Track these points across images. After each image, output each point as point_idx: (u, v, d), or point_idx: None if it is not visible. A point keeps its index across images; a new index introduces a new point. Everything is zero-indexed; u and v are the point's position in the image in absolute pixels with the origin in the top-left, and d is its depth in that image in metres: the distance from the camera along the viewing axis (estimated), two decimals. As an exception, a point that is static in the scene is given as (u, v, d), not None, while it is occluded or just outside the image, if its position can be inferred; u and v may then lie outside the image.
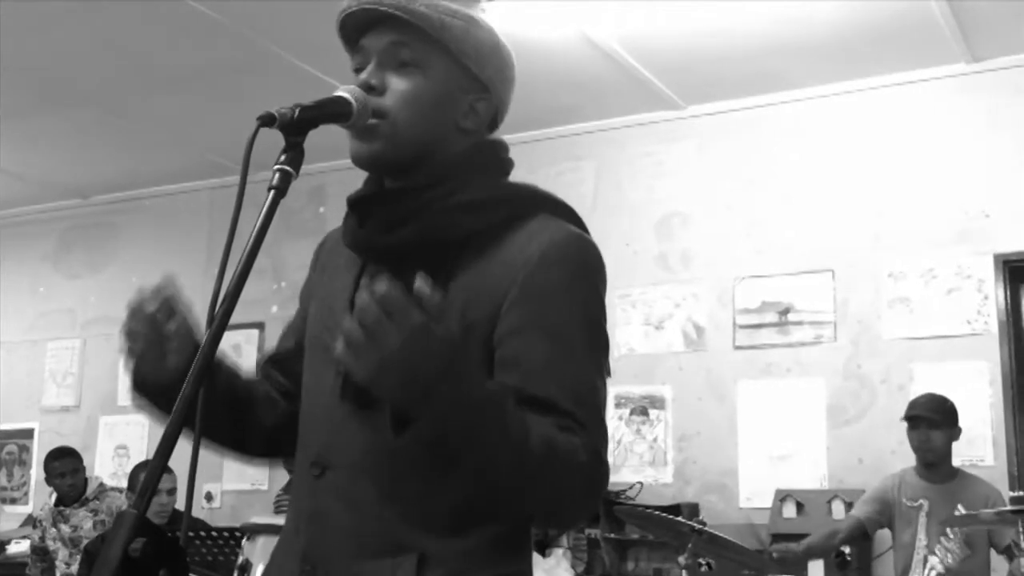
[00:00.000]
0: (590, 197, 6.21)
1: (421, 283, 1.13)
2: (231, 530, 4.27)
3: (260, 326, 6.45)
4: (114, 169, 7.40)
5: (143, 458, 6.94)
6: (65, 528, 5.88)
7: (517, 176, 1.52)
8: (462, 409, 1.17)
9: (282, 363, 1.60)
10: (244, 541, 3.22)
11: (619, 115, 6.21)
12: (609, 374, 1.39)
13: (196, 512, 6.48)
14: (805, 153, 5.80)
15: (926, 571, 4.43)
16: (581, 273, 1.38)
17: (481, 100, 1.47)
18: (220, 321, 1.19)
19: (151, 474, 1.10)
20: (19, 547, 6.68)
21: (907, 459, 4.73)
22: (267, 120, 1.27)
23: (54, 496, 6.01)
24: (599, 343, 1.39)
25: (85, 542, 5.61)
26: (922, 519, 4.50)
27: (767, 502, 5.41)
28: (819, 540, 4.61)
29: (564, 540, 5.07)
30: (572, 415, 1.29)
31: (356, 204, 1.48)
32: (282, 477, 6.15)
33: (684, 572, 3.88)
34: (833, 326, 5.57)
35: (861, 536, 4.71)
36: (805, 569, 4.77)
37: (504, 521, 1.37)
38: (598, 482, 1.31)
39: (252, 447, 1.62)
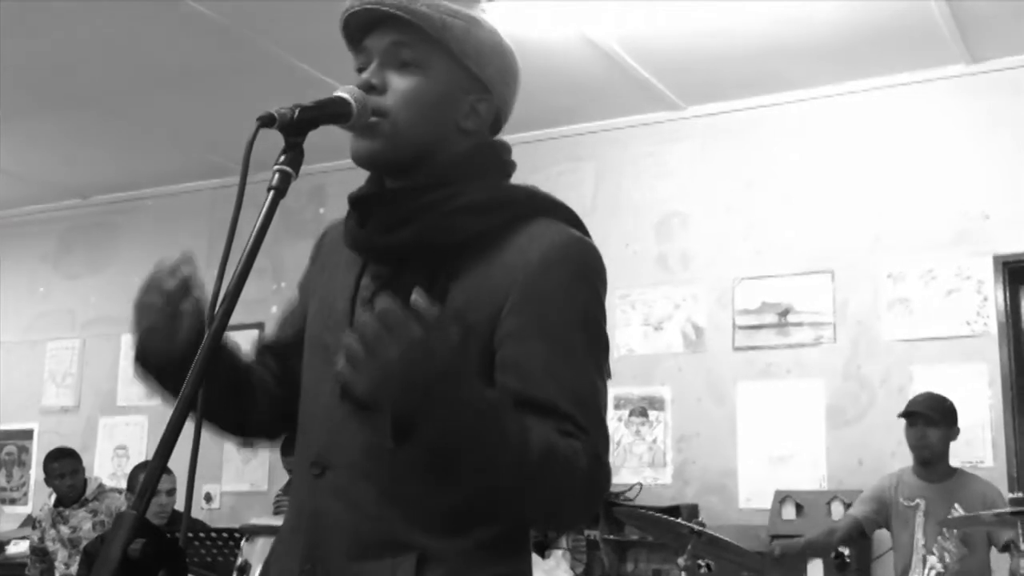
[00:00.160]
0: (590, 198, 6.21)
1: (417, 296, 1.14)
2: (230, 531, 4.27)
3: (260, 326, 6.43)
4: (114, 169, 7.40)
5: (142, 459, 6.94)
6: (64, 529, 5.87)
7: (517, 177, 1.52)
8: (461, 419, 1.18)
9: (277, 351, 1.60)
10: (243, 542, 3.22)
11: (619, 116, 6.22)
12: (609, 375, 1.40)
13: (195, 513, 6.47)
14: (805, 154, 5.80)
15: (926, 571, 4.43)
16: (581, 276, 1.38)
17: (483, 101, 1.47)
18: (220, 321, 1.19)
19: (150, 475, 1.09)
20: (18, 548, 6.68)
21: (906, 460, 4.73)
22: (267, 121, 1.27)
23: (53, 497, 6.01)
24: (599, 345, 1.39)
25: (84, 543, 5.61)
26: (919, 519, 4.50)
27: (766, 503, 5.41)
28: (818, 538, 4.62)
29: (563, 541, 5.07)
30: (573, 418, 1.30)
31: (356, 203, 1.48)
32: (281, 478, 6.15)
33: (683, 573, 3.87)
34: (833, 327, 5.57)
35: (859, 535, 4.71)
36: (804, 570, 4.77)
37: (504, 523, 1.38)
38: (599, 485, 1.32)
39: (250, 430, 1.62)
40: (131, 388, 7.57)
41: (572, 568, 5.16)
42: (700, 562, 3.96)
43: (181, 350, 1.38)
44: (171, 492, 5.35)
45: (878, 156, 5.62)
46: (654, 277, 6.04)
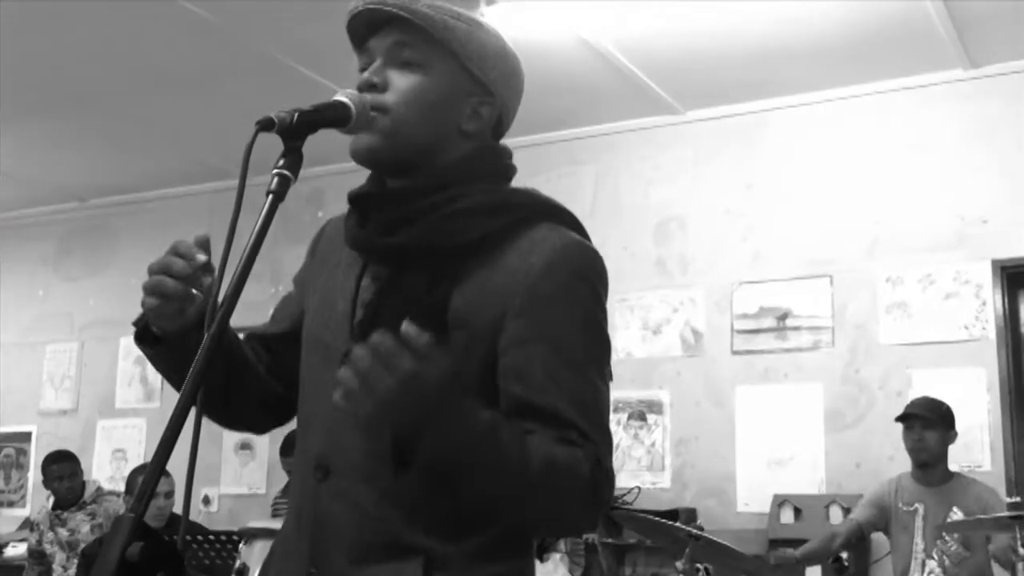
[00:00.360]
0: (588, 201, 6.21)
1: (408, 327, 1.15)
2: (228, 534, 4.27)
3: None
4: (113, 172, 7.40)
5: (141, 461, 6.94)
6: (62, 532, 5.87)
7: (516, 180, 1.52)
8: (459, 443, 1.20)
9: (268, 343, 1.60)
10: (241, 545, 3.22)
11: (617, 119, 6.22)
12: (611, 378, 1.41)
13: (194, 516, 6.47)
14: (803, 158, 5.80)
15: (925, 574, 4.44)
16: (584, 280, 1.39)
17: (485, 104, 1.47)
18: (219, 324, 1.19)
19: (149, 478, 1.09)
20: (16, 550, 6.68)
21: (905, 464, 4.73)
22: (266, 124, 1.27)
23: (51, 499, 6.00)
24: (602, 349, 1.40)
25: (82, 546, 5.60)
26: (918, 523, 4.50)
27: (765, 507, 5.41)
28: (817, 545, 4.62)
29: (561, 545, 5.06)
30: (576, 425, 1.31)
31: (356, 201, 1.48)
32: (279, 481, 6.15)
33: (681, 577, 3.88)
34: (831, 331, 5.57)
35: (860, 540, 4.71)
36: (802, 574, 4.77)
37: (507, 531, 1.39)
38: (601, 493, 1.33)
39: (236, 417, 1.61)
40: (129, 391, 7.58)
41: (570, 572, 5.16)
42: (698, 566, 3.96)
43: (186, 328, 1.37)
44: (169, 495, 5.35)
45: (876, 160, 5.62)
46: (652, 281, 6.04)
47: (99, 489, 6.11)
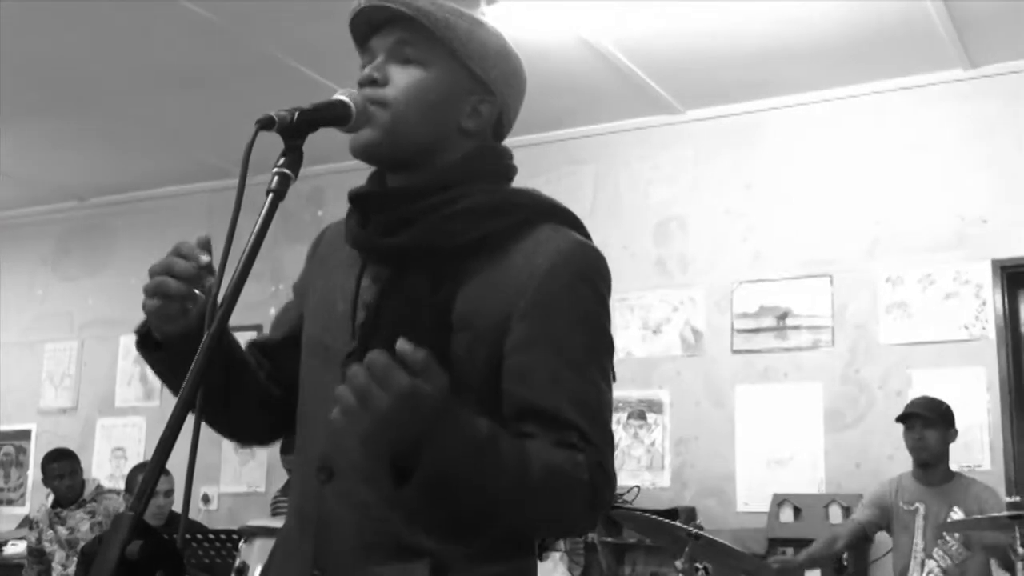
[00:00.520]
0: (588, 201, 6.21)
1: (403, 344, 1.15)
2: (228, 532, 4.27)
3: (258, 328, 6.44)
4: (112, 171, 7.40)
5: (140, 460, 6.94)
6: (62, 530, 5.87)
7: (516, 180, 1.52)
8: (458, 458, 1.20)
9: (269, 351, 1.59)
10: (241, 544, 3.22)
11: (617, 119, 6.22)
12: (615, 378, 1.42)
13: (193, 514, 6.47)
14: (803, 158, 5.80)
15: (925, 574, 4.44)
16: (588, 282, 1.39)
17: (485, 102, 1.47)
18: (219, 324, 1.19)
19: (149, 476, 1.09)
20: (15, 548, 6.67)
21: (904, 464, 4.73)
22: (266, 123, 1.27)
23: (51, 498, 6.00)
24: (605, 351, 1.41)
25: (82, 544, 5.60)
26: (919, 523, 4.50)
27: (764, 506, 5.41)
28: (820, 548, 4.60)
29: (561, 544, 5.06)
30: (578, 428, 1.32)
31: (357, 200, 1.48)
32: (279, 480, 6.15)
33: (681, 576, 3.88)
34: (831, 331, 5.57)
35: (862, 541, 4.72)
36: (802, 573, 4.77)
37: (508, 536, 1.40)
38: (601, 496, 1.33)
39: (243, 428, 1.61)
40: (129, 389, 7.58)
41: (570, 571, 5.16)
42: (698, 565, 3.96)
43: (189, 330, 1.36)
44: (169, 493, 5.35)
45: (876, 160, 5.62)
46: (653, 280, 6.04)
47: (99, 487, 6.11)
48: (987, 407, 5.16)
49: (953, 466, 4.65)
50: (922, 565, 4.45)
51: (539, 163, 6.12)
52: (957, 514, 4.40)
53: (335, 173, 5.49)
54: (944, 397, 4.67)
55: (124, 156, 7.08)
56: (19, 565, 6.25)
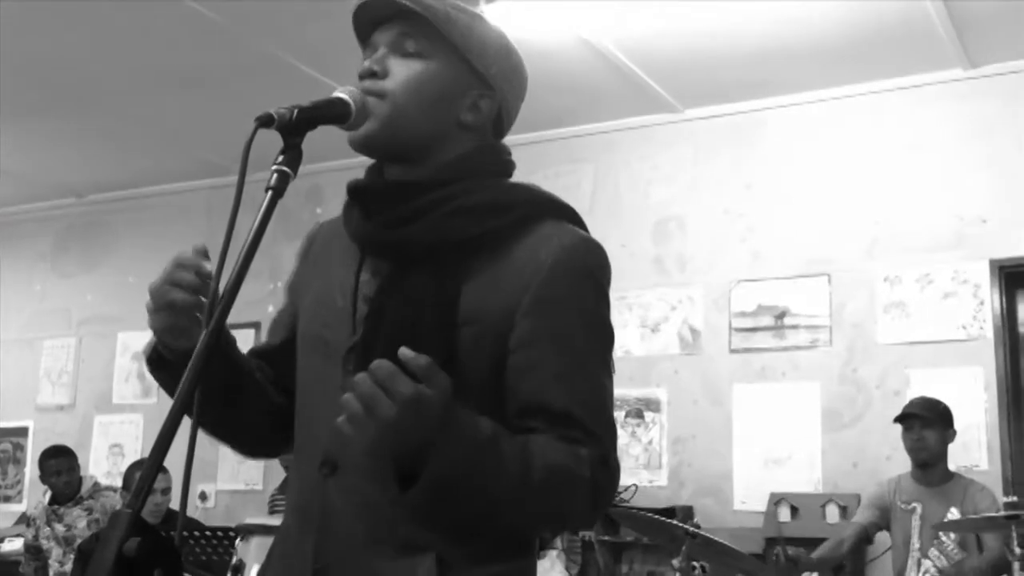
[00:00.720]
0: (587, 199, 6.21)
1: (405, 351, 1.17)
2: (225, 530, 4.27)
3: (256, 326, 6.44)
4: (111, 168, 7.39)
5: (138, 457, 6.94)
6: (59, 527, 5.87)
7: (514, 177, 1.52)
8: (460, 461, 1.22)
9: (270, 357, 1.58)
10: (238, 541, 3.22)
11: (616, 118, 6.22)
12: (614, 370, 1.43)
13: (190, 512, 6.47)
14: (802, 157, 5.80)
15: (920, 573, 4.44)
16: (591, 278, 1.41)
17: (485, 97, 1.47)
18: (217, 321, 1.19)
19: (146, 473, 1.09)
20: (12, 545, 6.67)
21: (902, 464, 4.74)
22: (265, 121, 1.27)
23: (48, 494, 6.00)
24: (606, 344, 1.43)
25: (79, 541, 5.60)
26: (916, 522, 4.51)
27: (761, 505, 5.42)
28: (828, 550, 4.58)
29: (558, 542, 5.06)
30: (582, 423, 1.34)
31: (357, 193, 1.48)
32: (277, 477, 6.15)
33: (678, 575, 3.88)
34: (829, 330, 5.57)
35: (865, 542, 4.72)
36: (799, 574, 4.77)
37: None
38: (605, 490, 1.35)
39: (250, 436, 1.60)
40: (127, 386, 7.57)
41: (567, 569, 5.16)
42: (695, 564, 3.97)
43: (188, 344, 1.35)
44: (166, 491, 5.35)
45: (875, 159, 5.62)
46: (651, 279, 6.04)
47: (96, 484, 6.11)
48: (985, 407, 5.17)
49: (951, 466, 4.65)
50: (918, 565, 4.46)
51: (538, 161, 6.12)
52: (954, 515, 4.40)
53: (334, 171, 5.49)
54: (942, 397, 4.68)
55: (123, 153, 7.08)
56: (16, 562, 6.24)
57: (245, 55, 5.45)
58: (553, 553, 5.03)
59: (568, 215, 1.47)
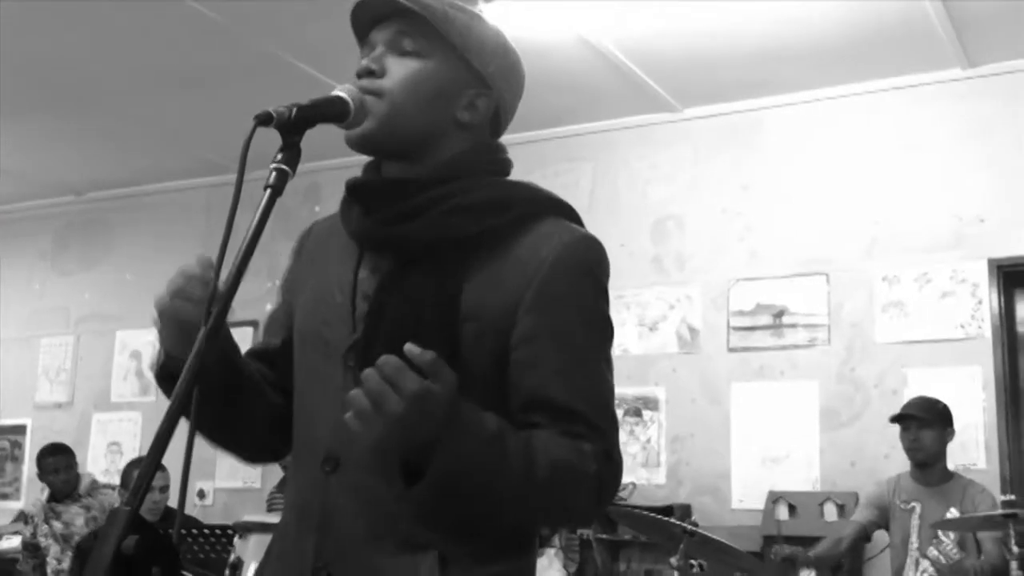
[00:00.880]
0: (586, 198, 6.21)
1: (411, 346, 1.19)
2: (223, 528, 4.27)
3: (254, 324, 6.44)
4: (110, 166, 7.39)
5: (136, 455, 6.94)
6: (57, 524, 5.87)
7: (513, 176, 1.53)
8: (466, 457, 1.24)
9: (269, 358, 1.57)
10: (236, 539, 3.23)
11: (615, 117, 6.22)
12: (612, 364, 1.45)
13: (189, 510, 6.47)
14: (800, 156, 5.81)
15: (918, 573, 4.44)
16: (591, 274, 1.43)
17: (482, 96, 1.48)
18: (216, 319, 1.19)
19: (145, 471, 1.09)
20: (10, 543, 6.67)
21: (900, 463, 4.74)
22: (264, 119, 1.27)
23: (46, 492, 6.00)
24: (607, 339, 1.45)
25: (77, 539, 5.60)
26: (914, 521, 4.51)
27: (759, 504, 5.42)
28: (827, 548, 4.58)
29: (556, 540, 5.07)
30: (585, 418, 1.35)
31: (355, 190, 1.48)
32: (275, 475, 6.14)
33: (676, 573, 3.88)
34: (827, 329, 5.58)
35: (864, 540, 4.72)
36: (797, 572, 4.77)
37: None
38: (609, 485, 1.36)
39: (253, 442, 1.59)
40: (125, 384, 7.57)
41: (565, 567, 5.17)
42: (692, 562, 3.97)
43: (210, 359, 1.36)
44: (164, 489, 5.34)
45: (874, 159, 5.62)
46: (649, 278, 6.04)
47: (94, 482, 6.11)
48: (983, 406, 5.17)
49: (949, 465, 4.65)
50: (916, 564, 4.46)
51: (537, 160, 6.12)
52: (954, 515, 4.40)
53: (333, 169, 5.48)
54: (940, 396, 4.67)
55: (123, 152, 7.07)
56: (14, 559, 6.24)
57: (244, 54, 5.44)
58: (551, 551, 5.03)
59: (567, 213, 1.48)
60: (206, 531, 4.32)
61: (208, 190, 7.37)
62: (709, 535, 3.94)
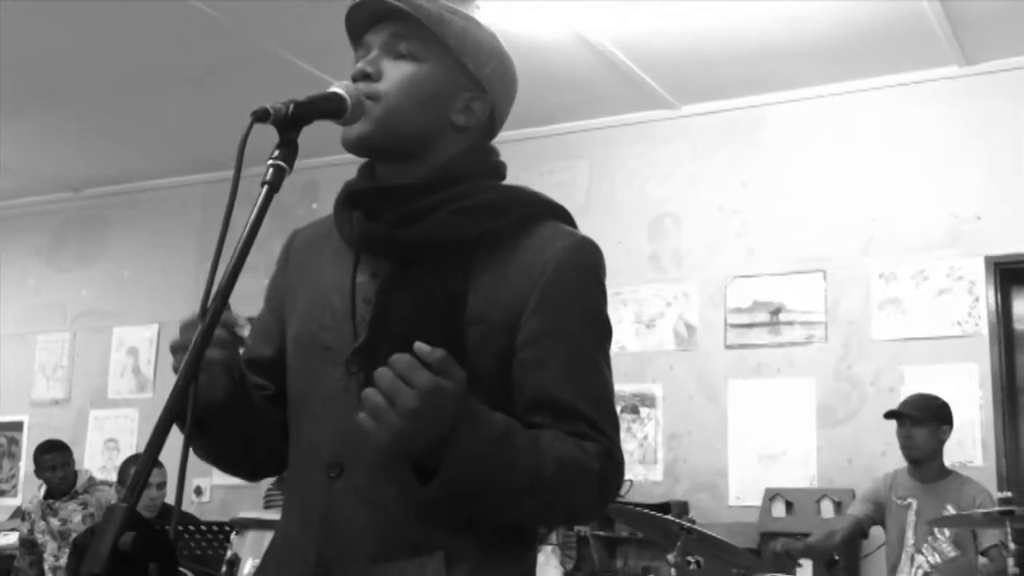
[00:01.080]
0: (583, 195, 6.21)
1: (421, 345, 1.20)
2: (220, 524, 4.28)
3: (252, 321, 6.46)
4: (107, 163, 7.38)
5: (133, 452, 6.93)
6: (54, 521, 5.87)
7: (512, 173, 1.53)
8: (476, 453, 1.25)
9: (267, 371, 1.54)
10: (233, 535, 3.22)
11: (613, 114, 6.22)
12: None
13: (185, 506, 6.47)
14: (797, 154, 5.81)
15: (913, 569, 4.45)
16: (592, 278, 1.45)
17: (477, 99, 1.48)
18: (212, 317, 1.19)
19: (141, 468, 1.09)
20: (7, 539, 6.67)
21: (897, 460, 4.74)
22: (261, 115, 1.26)
23: (43, 489, 6.00)
24: (607, 339, 1.47)
25: (74, 535, 5.60)
26: (911, 518, 4.51)
27: (756, 501, 5.42)
28: (819, 540, 4.59)
29: (553, 537, 5.07)
30: (589, 418, 1.37)
31: (355, 196, 1.48)
32: (272, 472, 6.14)
33: (673, 570, 3.88)
34: (824, 327, 5.58)
35: (859, 535, 4.73)
36: (794, 569, 4.78)
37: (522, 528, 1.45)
38: (612, 482, 1.39)
39: (257, 456, 1.55)
40: (122, 381, 7.57)
41: (562, 564, 5.17)
42: (690, 559, 3.97)
43: (232, 395, 1.37)
44: (161, 485, 5.34)
45: (871, 156, 5.63)
46: (647, 275, 6.04)
47: (91, 479, 6.11)
48: (979, 403, 5.18)
49: (946, 462, 4.65)
50: (912, 560, 4.46)
51: (534, 157, 6.12)
52: (949, 512, 4.40)
53: (330, 166, 5.48)
54: (937, 393, 4.67)
55: (120, 148, 7.07)
56: (11, 556, 6.24)
57: (242, 51, 5.44)
58: (548, 548, 5.03)
59: (563, 216, 1.49)
60: (203, 527, 4.32)
61: (205, 187, 7.36)
62: (706, 532, 3.94)
